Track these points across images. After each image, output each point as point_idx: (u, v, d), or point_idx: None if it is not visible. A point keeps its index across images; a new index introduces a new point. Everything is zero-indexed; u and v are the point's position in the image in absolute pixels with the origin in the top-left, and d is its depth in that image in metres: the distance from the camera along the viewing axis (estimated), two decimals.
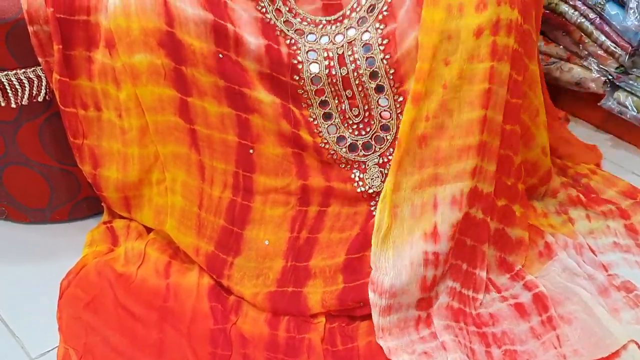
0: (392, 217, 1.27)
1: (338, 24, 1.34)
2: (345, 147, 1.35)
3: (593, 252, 1.43)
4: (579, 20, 1.74)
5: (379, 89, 1.32)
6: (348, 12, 1.34)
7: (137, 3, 1.28)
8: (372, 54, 1.31)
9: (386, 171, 1.35)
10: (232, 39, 1.29)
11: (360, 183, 1.36)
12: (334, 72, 1.32)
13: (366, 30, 1.32)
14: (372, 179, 1.36)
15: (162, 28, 1.28)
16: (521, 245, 1.39)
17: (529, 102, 1.43)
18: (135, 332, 1.28)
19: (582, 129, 1.86)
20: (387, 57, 1.31)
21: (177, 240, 1.40)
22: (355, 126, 1.35)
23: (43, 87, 1.39)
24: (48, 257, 1.49)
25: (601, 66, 1.75)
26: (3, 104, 1.39)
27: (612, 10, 1.69)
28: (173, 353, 1.25)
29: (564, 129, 1.78)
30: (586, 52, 1.77)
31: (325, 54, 1.32)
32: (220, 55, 1.30)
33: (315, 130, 1.34)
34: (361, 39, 1.32)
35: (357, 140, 1.36)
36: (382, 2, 1.32)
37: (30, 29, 1.33)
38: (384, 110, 1.33)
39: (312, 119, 1.34)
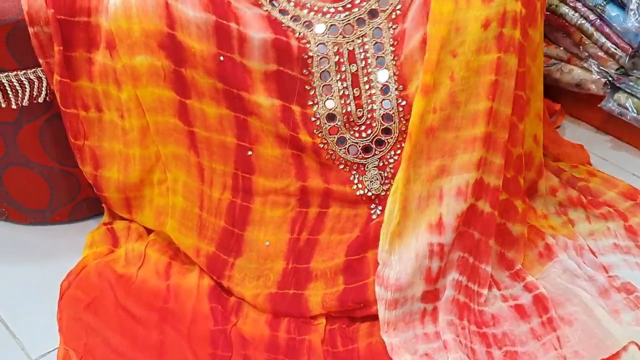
0: (401, 210, 1.27)
1: (347, 12, 1.33)
2: (345, 149, 1.35)
3: (593, 253, 1.43)
4: (579, 22, 1.74)
5: (385, 91, 1.33)
6: (357, 1, 1.34)
7: (138, 5, 1.28)
8: (382, 53, 1.32)
9: (385, 174, 1.35)
10: (235, 39, 1.29)
11: (360, 186, 1.36)
12: (343, 69, 1.32)
13: (377, 27, 1.32)
14: (371, 182, 1.36)
15: (163, 30, 1.28)
16: (520, 241, 1.39)
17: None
18: (135, 333, 1.28)
19: (582, 131, 1.86)
20: (395, 58, 1.31)
21: (177, 241, 1.40)
22: (357, 128, 1.35)
23: (43, 88, 1.39)
24: (48, 258, 1.49)
25: (601, 68, 1.75)
26: (3, 105, 1.39)
27: (612, 11, 1.69)
28: (173, 354, 1.25)
29: (552, 129, 1.78)
30: (586, 54, 1.77)
31: (336, 49, 1.32)
32: (221, 58, 1.29)
33: (316, 130, 1.34)
34: (372, 36, 1.32)
35: (357, 143, 1.36)
36: (397, 0, 1.32)
37: (30, 30, 1.33)
38: (387, 113, 1.33)
39: (314, 119, 1.34)
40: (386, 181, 1.35)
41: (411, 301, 1.27)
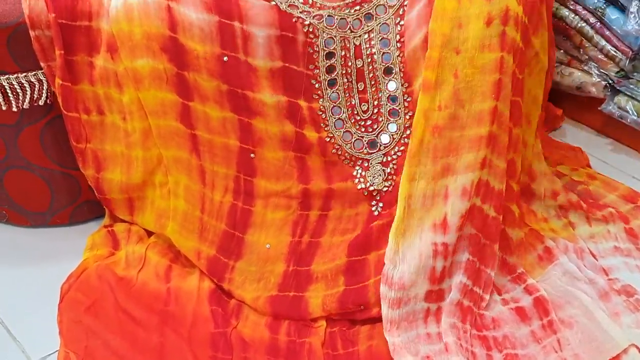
0: (405, 208, 1.27)
1: (357, 7, 1.33)
2: (351, 143, 1.36)
3: (594, 256, 1.43)
4: (579, 25, 1.74)
5: (391, 86, 1.33)
6: None
7: (139, 8, 1.28)
8: (389, 49, 1.32)
9: (389, 170, 1.35)
10: (240, 38, 1.29)
11: (362, 180, 1.36)
12: (349, 63, 1.32)
13: (385, 23, 1.32)
14: (373, 177, 1.36)
15: (165, 33, 1.28)
16: (520, 246, 1.39)
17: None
18: (135, 336, 1.28)
19: (582, 133, 1.86)
20: (401, 54, 1.31)
21: (177, 244, 1.40)
22: (362, 122, 1.36)
23: (44, 91, 1.39)
24: (49, 260, 1.49)
25: (602, 70, 1.75)
26: (4, 108, 1.39)
27: (612, 14, 1.69)
28: (174, 357, 1.25)
29: (545, 136, 1.78)
30: (587, 57, 1.77)
31: (343, 43, 1.32)
32: (225, 58, 1.30)
33: (322, 124, 1.34)
34: (379, 32, 1.32)
35: (362, 137, 1.36)
36: None
37: (32, 33, 1.33)
38: (393, 109, 1.34)
39: (321, 112, 1.34)
40: (388, 177, 1.35)
41: (414, 300, 1.26)
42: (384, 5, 1.32)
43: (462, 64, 1.26)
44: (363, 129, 1.36)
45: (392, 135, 1.35)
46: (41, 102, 1.40)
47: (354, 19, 1.32)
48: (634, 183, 1.65)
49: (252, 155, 1.35)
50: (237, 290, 1.35)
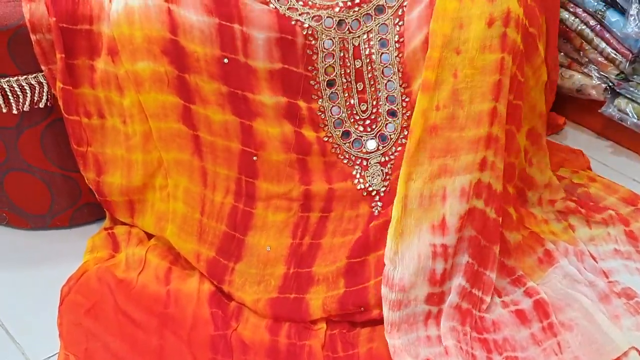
0: (402, 209, 1.27)
1: (356, 8, 1.33)
2: (349, 143, 1.36)
3: (594, 258, 1.43)
4: (579, 27, 1.74)
5: (390, 87, 1.33)
6: None
7: (140, 11, 1.29)
8: (387, 50, 1.32)
9: (387, 170, 1.36)
10: (239, 40, 1.29)
11: (361, 180, 1.36)
12: (348, 64, 1.33)
13: (384, 24, 1.32)
14: (372, 177, 1.36)
15: (165, 36, 1.29)
16: (518, 249, 1.39)
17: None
18: (135, 338, 1.28)
19: (582, 136, 1.86)
20: (400, 55, 1.31)
21: (177, 246, 1.40)
22: (361, 122, 1.36)
23: (44, 94, 1.40)
24: (49, 263, 1.49)
25: (602, 73, 1.75)
26: (4, 110, 1.40)
27: (612, 17, 1.69)
28: (173, 359, 1.25)
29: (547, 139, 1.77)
30: (587, 59, 1.77)
31: (341, 44, 1.32)
32: (226, 60, 1.30)
33: (321, 124, 1.35)
34: (378, 32, 1.32)
35: (361, 137, 1.36)
36: None
37: (32, 37, 1.33)
38: (392, 109, 1.34)
39: (320, 112, 1.34)
40: (387, 177, 1.36)
41: (415, 303, 1.26)
42: (383, 6, 1.33)
43: (462, 64, 1.26)
44: (362, 129, 1.36)
45: (390, 135, 1.36)
46: (41, 105, 1.41)
47: (353, 20, 1.32)
48: (634, 185, 1.65)
49: (254, 157, 1.35)
50: (237, 293, 1.35)
